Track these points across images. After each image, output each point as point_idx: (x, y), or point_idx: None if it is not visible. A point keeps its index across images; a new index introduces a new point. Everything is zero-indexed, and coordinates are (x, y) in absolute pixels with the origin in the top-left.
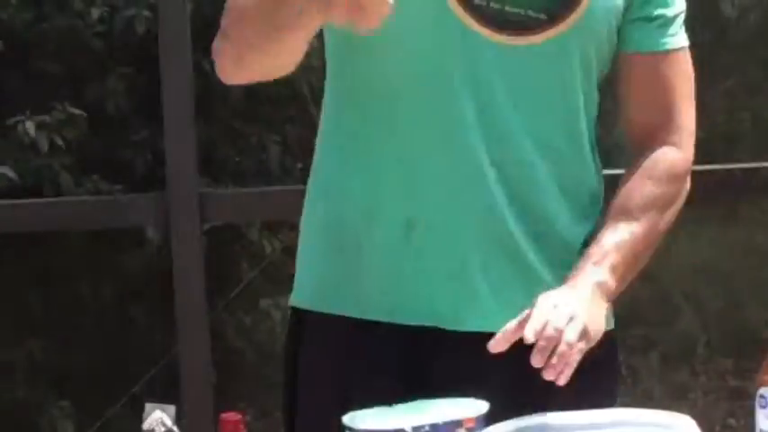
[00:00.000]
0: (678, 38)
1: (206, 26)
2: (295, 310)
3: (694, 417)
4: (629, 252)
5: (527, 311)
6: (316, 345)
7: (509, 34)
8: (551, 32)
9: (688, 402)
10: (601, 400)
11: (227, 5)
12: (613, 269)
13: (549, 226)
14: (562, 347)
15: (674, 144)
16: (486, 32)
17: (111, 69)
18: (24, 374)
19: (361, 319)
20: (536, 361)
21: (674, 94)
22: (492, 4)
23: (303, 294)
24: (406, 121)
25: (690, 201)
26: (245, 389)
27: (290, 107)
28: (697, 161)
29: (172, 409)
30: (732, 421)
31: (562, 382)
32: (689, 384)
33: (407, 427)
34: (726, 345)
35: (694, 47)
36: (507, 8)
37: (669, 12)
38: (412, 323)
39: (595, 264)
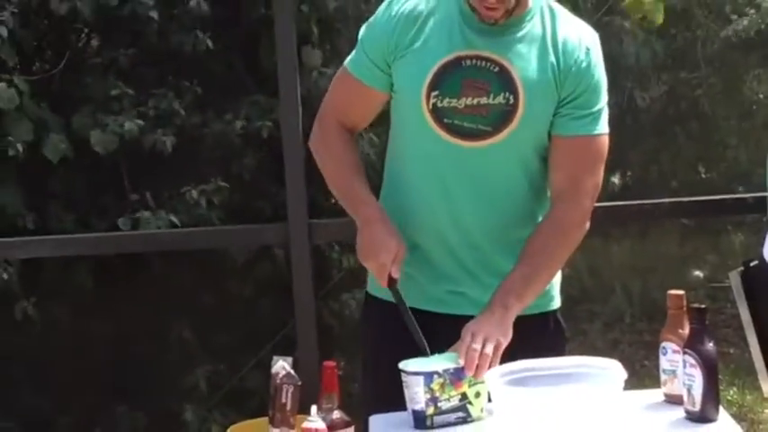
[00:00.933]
0: (593, 127)
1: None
2: (366, 293)
3: (623, 361)
4: (528, 278)
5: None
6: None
7: (464, 140)
8: (494, 139)
9: (618, 351)
10: (553, 354)
11: (318, 118)
12: (515, 294)
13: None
14: (481, 360)
15: (572, 205)
16: (451, 139)
17: (248, 152)
18: (179, 347)
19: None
20: (467, 370)
21: (582, 168)
22: (455, 121)
23: (371, 284)
24: (412, 180)
25: (621, 223)
26: (336, 349)
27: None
28: (628, 198)
29: (290, 359)
30: (647, 362)
31: (480, 376)
32: (620, 340)
33: (439, 369)
34: (642, 314)
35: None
36: (465, 124)
37: (589, 109)
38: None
39: (504, 293)
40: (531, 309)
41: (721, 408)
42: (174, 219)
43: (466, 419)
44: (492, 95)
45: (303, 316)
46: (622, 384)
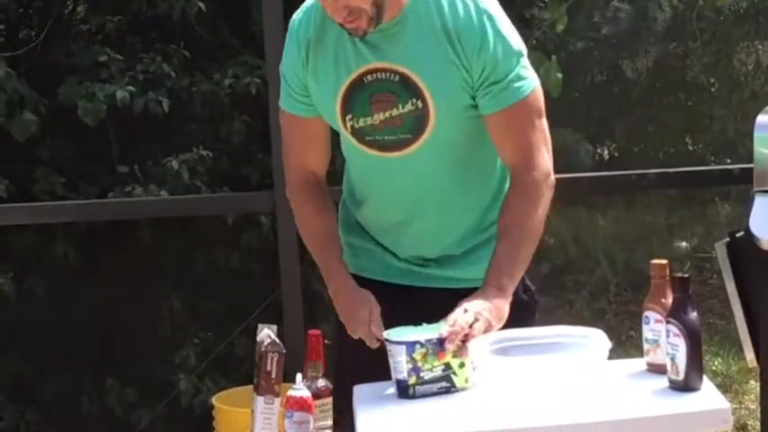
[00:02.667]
0: (514, 92)
1: None
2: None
3: (608, 331)
4: (512, 255)
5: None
6: None
7: (392, 152)
8: (418, 144)
9: (604, 321)
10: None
11: (285, 167)
12: (505, 273)
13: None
14: (466, 337)
15: (530, 172)
16: (379, 154)
17: (236, 117)
18: (166, 316)
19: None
20: (447, 342)
21: (523, 136)
22: (376, 137)
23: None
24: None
25: (607, 193)
26: (322, 316)
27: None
28: (614, 169)
29: (275, 327)
30: (632, 333)
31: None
32: (605, 310)
33: (421, 339)
34: (628, 285)
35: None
36: (386, 137)
37: (505, 78)
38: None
39: (495, 272)
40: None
41: (705, 377)
42: (164, 193)
43: (449, 389)
44: (400, 105)
45: (288, 285)
46: (606, 353)
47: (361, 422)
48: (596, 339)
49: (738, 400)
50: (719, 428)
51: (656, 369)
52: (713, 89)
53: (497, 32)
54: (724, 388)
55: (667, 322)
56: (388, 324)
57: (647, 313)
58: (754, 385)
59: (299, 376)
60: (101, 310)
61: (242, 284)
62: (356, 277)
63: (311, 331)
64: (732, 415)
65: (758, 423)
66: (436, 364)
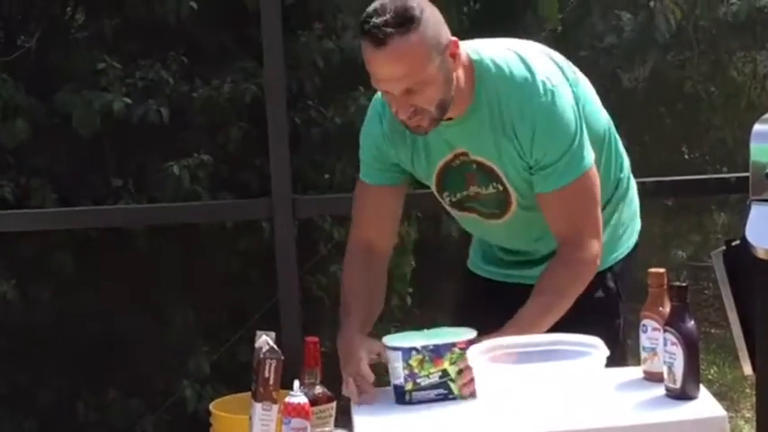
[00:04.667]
0: (568, 174)
1: (299, 90)
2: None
3: None
4: (537, 319)
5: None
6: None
7: (487, 218)
8: (507, 216)
9: None
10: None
11: (348, 244)
12: (522, 332)
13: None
14: None
15: (578, 249)
16: (477, 218)
17: (234, 123)
18: (171, 324)
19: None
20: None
21: (573, 214)
22: (474, 206)
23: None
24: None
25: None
26: (322, 323)
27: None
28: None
29: (273, 334)
30: (629, 341)
31: None
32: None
33: (418, 345)
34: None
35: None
36: (480, 208)
37: (560, 160)
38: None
39: (515, 327)
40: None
41: (702, 386)
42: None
43: (447, 396)
44: (483, 187)
45: (286, 292)
46: (604, 362)
47: (359, 428)
48: (595, 347)
49: (735, 408)
50: None
51: (654, 377)
52: (710, 98)
53: (551, 116)
54: (720, 396)
55: (665, 331)
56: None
57: (644, 322)
58: (751, 394)
59: (296, 383)
60: (100, 317)
61: (243, 290)
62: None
63: (309, 338)
64: (728, 423)
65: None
66: (433, 370)
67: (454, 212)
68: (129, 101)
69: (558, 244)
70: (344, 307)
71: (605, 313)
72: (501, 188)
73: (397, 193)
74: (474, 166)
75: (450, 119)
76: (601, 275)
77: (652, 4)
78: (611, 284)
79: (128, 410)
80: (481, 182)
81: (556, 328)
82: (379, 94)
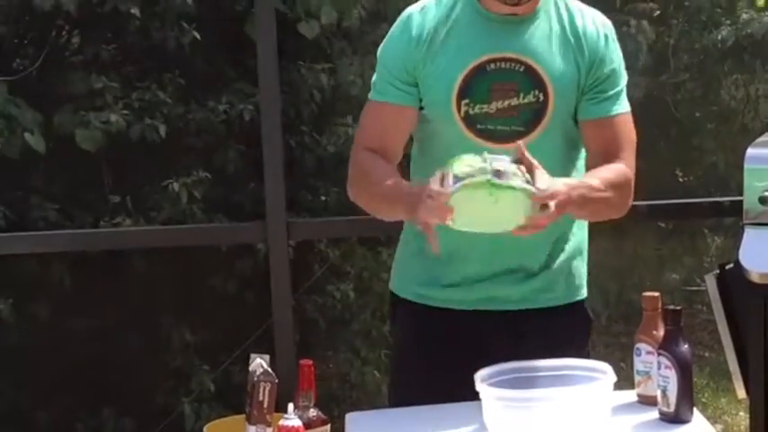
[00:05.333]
0: (619, 105)
1: (296, 115)
2: (391, 293)
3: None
4: (593, 188)
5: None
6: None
7: (499, 143)
8: (528, 139)
9: (595, 353)
10: (576, 344)
11: (351, 160)
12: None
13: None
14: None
15: (622, 161)
16: (485, 144)
17: (231, 146)
18: (167, 345)
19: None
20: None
21: (619, 145)
22: (488, 126)
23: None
24: None
25: (597, 224)
26: (317, 345)
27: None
28: None
29: (267, 357)
30: (623, 365)
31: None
32: (596, 342)
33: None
34: (619, 316)
35: None
36: (498, 127)
37: (613, 90)
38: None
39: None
40: (560, 299)
41: (695, 409)
42: (158, 222)
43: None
44: (521, 95)
45: (280, 315)
46: (612, 387)
47: None
48: (603, 372)
49: (728, 431)
50: None
51: (647, 401)
52: (704, 122)
53: (616, 50)
54: (713, 420)
55: (659, 354)
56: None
57: (638, 345)
58: (744, 417)
59: (290, 406)
60: (96, 338)
61: (238, 311)
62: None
63: (303, 361)
64: None
65: None
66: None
67: (454, 137)
68: (128, 113)
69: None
70: (387, 185)
71: (585, 339)
72: (542, 98)
73: (412, 113)
74: (521, 68)
75: (515, 14)
76: (581, 303)
77: (624, 29)
78: (588, 310)
79: (124, 426)
80: (522, 88)
81: (534, 354)
82: (410, 9)
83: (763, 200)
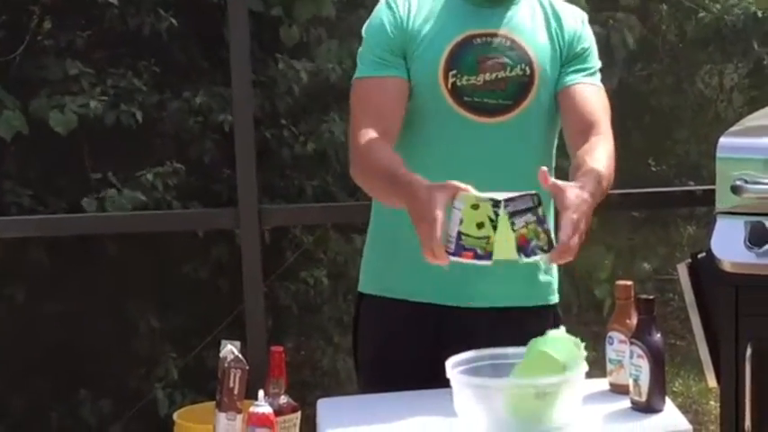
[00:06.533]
0: (595, 77)
1: (266, 115)
2: (359, 293)
3: None
4: (601, 180)
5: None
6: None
7: (487, 117)
8: (515, 112)
9: None
10: None
11: (351, 143)
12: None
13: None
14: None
15: (605, 132)
16: (473, 117)
17: (206, 135)
18: (141, 330)
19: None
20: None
21: (597, 109)
22: (475, 98)
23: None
24: (433, 166)
25: None
26: (290, 331)
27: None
28: None
29: (238, 344)
30: (593, 353)
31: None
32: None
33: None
34: (590, 305)
35: None
36: (486, 100)
37: (588, 64)
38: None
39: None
40: (533, 300)
41: (667, 398)
42: (141, 196)
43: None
44: (509, 68)
45: (252, 302)
46: (583, 375)
47: None
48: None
49: (699, 421)
50: None
51: (619, 390)
52: (677, 111)
53: (591, 36)
54: (684, 409)
55: (631, 343)
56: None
57: (610, 334)
58: (715, 406)
59: (261, 393)
60: (70, 323)
61: (212, 297)
62: (397, 301)
63: (274, 348)
64: None
65: None
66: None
67: (441, 111)
68: (104, 99)
69: (581, 138)
70: (388, 165)
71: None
72: (528, 71)
73: (404, 85)
74: (508, 43)
75: None
76: (554, 307)
77: (611, 21)
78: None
79: (99, 411)
80: (510, 61)
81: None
82: None
83: (735, 189)
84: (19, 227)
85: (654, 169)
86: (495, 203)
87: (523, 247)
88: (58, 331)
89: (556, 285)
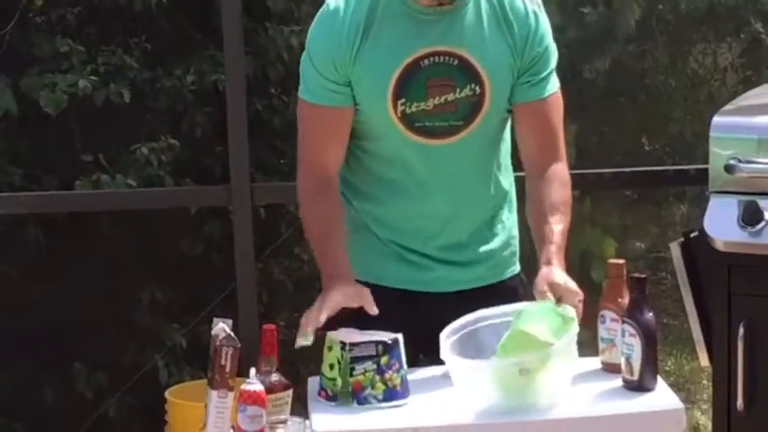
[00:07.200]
0: (552, 85)
1: (257, 82)
2: None
3: None
4: (564, 233)
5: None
6: None
7: (437, 139)
8: (466, 132)
9: None
10: None
11: (301, 167)
12: (562, 249)
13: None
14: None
15: (559, 160)
16: (423, 141)
17: (198, 110)
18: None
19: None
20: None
21: (554, 127)
22: (426, 123)
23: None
24: (398, 184)
25: None
26: (284, 307)
27: None
28: (570, 168)
29: (230, 321)
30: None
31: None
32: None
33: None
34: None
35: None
36: (437, 123)
37: (546, 71)
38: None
39: (558, 249)
40: (497, 277)
41: (659, 377)
42: (131, 182)
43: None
44: (458, 90)
45: (243, 280)
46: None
47: (316, 421)
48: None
49: (691, 399)
50: (673, 429)
51: (611, 368)
52: (671, 90)
53: (546, 28)
54: (677, 387)
55: (623, 322)
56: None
57: (603, 312)
58: (707, 385)
59: (252, 370)
60: (62, 300)
61: (205, 274)
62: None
63: (266, 326)
64: (685, 415)
65: (710, 423)
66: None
67: (392, 135)
68: (95, 79)
69: (538, 160)
70: (323, 234)
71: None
72: (478, 91)
73: (350, 114)
74: (455, 62)
75: (441, 4)
76: (518, 275)
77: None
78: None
79: (94, 388)
80: (458, 82)
81: None
82: (332, 3)
83: (728, 168)
84: (13, 203)
85: (647, 148)
86: (343, 346)
87: (357, 394)
88: (52, 308)
89: (518, 253)
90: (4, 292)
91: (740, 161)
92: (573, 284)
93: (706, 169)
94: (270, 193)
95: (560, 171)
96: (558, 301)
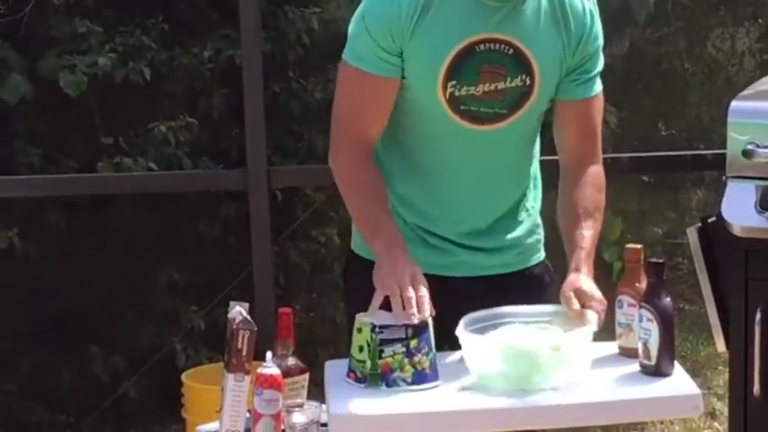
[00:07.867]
0: (598, 85)
1: (274, 63)
2: (351, 252)
3: None
4: (595, 239)
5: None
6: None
7: (481, 125)
8: (509, 120)
9: None
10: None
11: (335, 132)
12: (591, 255)
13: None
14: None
15: (597, 163)
16: (467, 125)
17: (215, 91)
18: (167, 288)
19: None
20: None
21: (595, 127)
22: (472, 108)
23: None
24: (429, 166)
25: None
26: (301, 290)
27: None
28: None
29: (246, 305)
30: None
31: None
32: None
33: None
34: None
35: None
36: (482, 109)
37: (595, 70)
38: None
39: (587, 255)
40: (523, 264)
41: (676, 362)
42: (152, 165)
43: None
44: (509, 79)
45: (260, 263)
46: (593, 332)
47: (333, 403)
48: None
49: (707, 385)
50: (690, 414)
51: (628, 353)
52: (688, 75)
53: (599, 27)
54: (693, 373)
55: (640, 307)
56: None
57: (620, 297)
58: (724, 371)
59: (269, 354)
60: (82, 282)
61: (223, 256)
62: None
63: (282, 309)
64: (702, 401)
65: (726, 408)
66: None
67: (435, 115)
68: (113, 57)
69: (575, 158)
70: (366, 201)
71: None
72: (528, 82)
73: (397, 87)
74: (510, 51)
75: None
76: (544, 262)
77: None
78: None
79: (111, 370)
80: (510, 72)
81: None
82: None
83: (745, 153)
84: (31, 186)
85: (664, 133)
86: (373, 328)
87: (386, 376)
88: (71, 290)
89: (542, 240)
90: (24, 274)
91: (758, 146)
92: (598, 293)
93: (723, 154)
94: (287, 177)
95: (597, 175)
96: (582, 307)
